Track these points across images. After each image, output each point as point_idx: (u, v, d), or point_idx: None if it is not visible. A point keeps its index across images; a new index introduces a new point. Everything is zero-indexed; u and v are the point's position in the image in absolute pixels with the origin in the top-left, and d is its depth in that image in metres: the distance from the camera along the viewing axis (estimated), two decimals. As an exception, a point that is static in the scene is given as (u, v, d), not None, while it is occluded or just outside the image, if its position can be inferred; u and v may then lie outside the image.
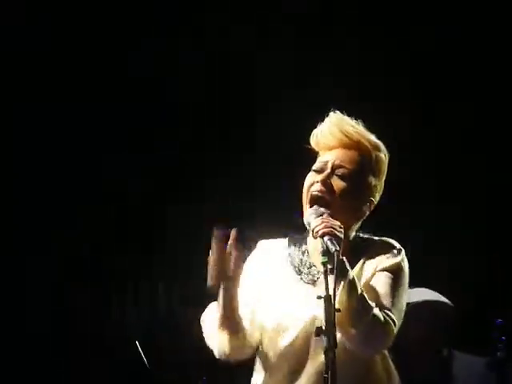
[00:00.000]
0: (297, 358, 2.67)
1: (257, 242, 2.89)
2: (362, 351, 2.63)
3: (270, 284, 2.76)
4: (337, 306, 2.44)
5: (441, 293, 4.01)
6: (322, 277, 2.48)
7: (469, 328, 4.51)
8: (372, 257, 2.72)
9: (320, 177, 2.73)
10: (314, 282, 2.72)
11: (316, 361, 2.62)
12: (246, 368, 2.87)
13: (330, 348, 2.38)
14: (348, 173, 2.72)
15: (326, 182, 2.71)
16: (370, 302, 2.57)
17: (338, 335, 2.47)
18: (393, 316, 2.60)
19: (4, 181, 5.37)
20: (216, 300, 2.69)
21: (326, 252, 2.50)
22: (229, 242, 2.61)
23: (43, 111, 5.35)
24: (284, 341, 2.68)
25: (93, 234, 5.47)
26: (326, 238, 2.53)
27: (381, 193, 2.80)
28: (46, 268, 5.43)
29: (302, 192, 2.77)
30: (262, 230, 2.94)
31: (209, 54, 5.38)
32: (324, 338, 2.40)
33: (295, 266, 2.77)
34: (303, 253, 2.79)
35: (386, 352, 2.73)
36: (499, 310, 4.42)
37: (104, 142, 5.42)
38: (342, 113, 2.79)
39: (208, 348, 2.78)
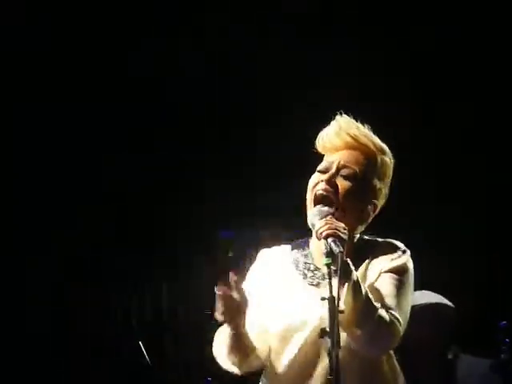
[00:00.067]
0: (306, 361, 2.67)
1: (270, 244, 2.90)
2: (368, 352, 2.63)
3: (275, 291, 2.76)
4: (342, 307, 2.44)
5: (441, 293, 4.00)
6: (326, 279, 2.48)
7: (469, 328, 4.50)
8: (377, 258, 2.71)
9: (325, 176, 2.73)
10: (318, 285, 2.72)
11: (325, 363, 2.60)
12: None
13: (334, 349, 2.38)
14: (353, 173, 2.73)
15: (330, 182, 2.72)
16: (375, 302, 2.57)
17: (344, 336, 2.48)
18: (398, 316, 2.60)
19: (4, 181, 5.38)
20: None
21: (329, 253, 2.50)
22: (231, 283, 2.60)
23: (43, 111, 5.35)
24: (293, 344, 2.69)
25: (93, 233, 5.47)
26: (329, 240, 2.52)
27: (385, 198, 2.81)
28: (46, 268, 5.44)
29: (304, 193, 2.77)
30: (271, 233, 2.94)
31: (209, 53, 5.38)
32: (328, 340, 2.40)
33: (300, 270, 2.77)
34: (306, 256, 2.79)
35: (391, 352, 2.73)
36: (501, 311, 4.42)
37: (104, 141, 5.42)
38: (347, 115, 2.80)
39: (211, 348, 2.79)
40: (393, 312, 2.60)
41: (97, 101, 5.39)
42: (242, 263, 2.75)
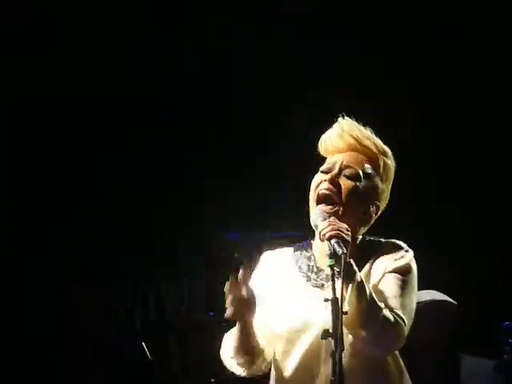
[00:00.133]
0: (311, 362, 2.67)
1: (278, 245, 2.90)
2: (373, 352, 2.63)
3: (279, 293, 2.77)
4: (346, 308, 2.45)
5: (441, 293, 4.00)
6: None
7: (469, 328, 4.50)
8: (380, 258, 2.72)
9: (327, 176, 2.74)
10: (322, 286, 2.72)
11: (329, 364, 2.60)
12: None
13: (337, 350, 2.38)
14: (356, 173, 2.73)
15: (333, 181, 2.72)
16: (379, 303, 2.57)
17: (349, 337, 2.48)
18: (403, 316, 2.61)
19: (4, 181, 5.38)
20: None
21: (333, 255, 2.50)
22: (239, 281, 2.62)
23: (43, 111, 5.35)
24: (298, 346, 2.69)
25: (93, 233, 5.47)
26: (333, 241, 2.53)
27: (387, 201, 2.81)
28: (46, 268, 5.44)
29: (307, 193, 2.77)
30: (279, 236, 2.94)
31: (209, 53, 5.38)
32: (331, 341, 2.40)
33: (303, 272, 2.78)
34: (309, 258, 2.79)
35: (396, 352, 2.73)
36: (501, 311, 4.42)
37: (104, 141, 5.42)
38: (349, 117, 2.80)
39: (217, 350, 2.80)
40: (397, 312, 2.60)
41: (97, 101, 5.39)
42: (250, 264, 2.75)
